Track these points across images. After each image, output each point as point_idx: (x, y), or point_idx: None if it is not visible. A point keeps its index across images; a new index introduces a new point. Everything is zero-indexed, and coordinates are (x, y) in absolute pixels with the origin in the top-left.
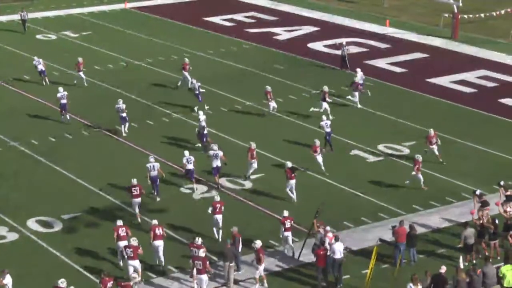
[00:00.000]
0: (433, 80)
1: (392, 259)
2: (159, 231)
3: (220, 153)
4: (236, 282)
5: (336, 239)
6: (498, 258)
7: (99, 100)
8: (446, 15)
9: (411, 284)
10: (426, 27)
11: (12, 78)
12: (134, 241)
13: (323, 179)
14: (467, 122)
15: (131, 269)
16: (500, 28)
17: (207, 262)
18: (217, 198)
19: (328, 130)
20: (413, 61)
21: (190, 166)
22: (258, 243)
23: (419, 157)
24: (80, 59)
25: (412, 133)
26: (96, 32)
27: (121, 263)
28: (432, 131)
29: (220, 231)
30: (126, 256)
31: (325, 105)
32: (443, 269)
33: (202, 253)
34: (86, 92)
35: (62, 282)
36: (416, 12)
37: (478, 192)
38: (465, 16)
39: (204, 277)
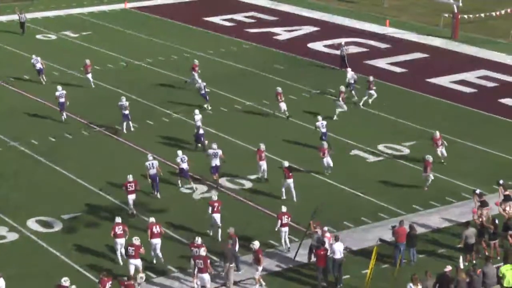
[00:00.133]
0: (433, 80)
1: (392, 259)
2: (156, 229)
3: (220, 152)
4: (235, 282)
5: (336, 239)
6: (498, 258)
7: (99, 100)
8: (446, 15)
9: (411, 284)
10: (426, 27)
11: (12, 78)
12: (136, 240)
13: (323, 179)
14: (467, 122)
15: (132, 268)
16: (500, 28)
17: (208, 261)
18: (214, 198)
19: (324, 130)
20: (413, 61)
21: (184, 165)
22: (257, 244)
23: (429, 158)
24: (88, 61)
25: (412, 133)
26: (96, 32)
27: (120, 262)
28: (437, 133)
29: (219, 230)
30: (124, 255)
31: (340, 103)
32: (448, 268)
33: (203, 252)
34: (86, 92)
35: (65, 281)
36: (416, 12)
37: (478, 191)
38: (465, 16)
39: (206, 276)
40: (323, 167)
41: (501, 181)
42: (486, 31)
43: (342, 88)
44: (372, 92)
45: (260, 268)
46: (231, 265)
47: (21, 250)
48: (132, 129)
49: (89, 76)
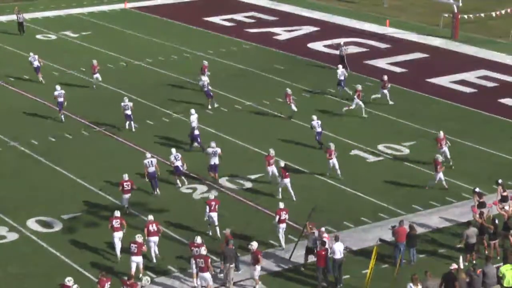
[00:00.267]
0: (433, 80)
1: (392, 259)
2: (152, 227)
3: (219, 150)
4: (235, 283)
5: (336, 239)
6: (498, 258)
7: (99, 100)
8: (446, 15)
9: (411, 284)
10: (426, 27)
11: (12, 78)
12: (139, 238)
13: (323, 179)
14: (467, 122)
15: (133, 265)
16: (500, 28)
17: (209, 260)
18: (212, 196)
19: (319, 130)
20: (413, 61)
21: (178, 163)
22: (255, 245)
23: (439, 157)
24: (95, 61)
25: (412, 133)
26: (96, 32)
27: (118, 257)
28: (441, 133)
29: (217, 228)
30: (119, 251)
31: (358, 102)
32: (453, 266)
33: (203, 251)
34: (86, 91)
35: (69, 281)
36: (416, 12)
37: (477, 190)
38: (465, 16)
39: (207, 275)
40: (328, 169)
41: (500, 181)
42: (486, 31)
43: (359, 86)
44: (386, 92)
45: (259, 269)
46: (231, 266)
47: (21, 250)
48: (133, 129)
49: (97, 76)
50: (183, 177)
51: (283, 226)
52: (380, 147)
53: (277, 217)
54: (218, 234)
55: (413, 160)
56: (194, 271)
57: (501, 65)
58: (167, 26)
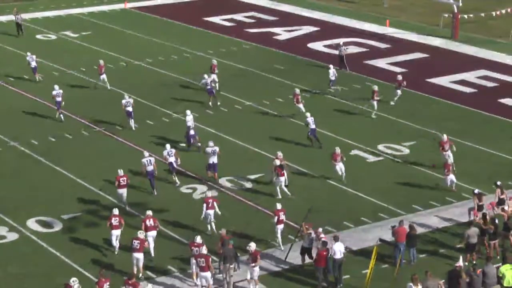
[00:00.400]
0: (433, 80)
1: (392, 259)
2: (150, 222)
3: (217, 149)
4: (234, 283)
5: (336, 239)
6: (498, 257)
7: (99, 100)
8: (446, 15)
9: (411, 284)
10: (426, 27)
11: (12, 78)
12: (141, 234)
13: (323, 179)
14: (467, 122)
15: (134, 261)
16: (500, 28)
17: (210, 260)
18: (209, 194)
19: (313, 126)
20: (413, 61)
21: (172, 159)
22: (253, 246)
23: (448, 159)
24: (102, 62)
25: (412, 133)
26: (96, 32)
27: (116, 251)
28: (445, 137)
29: (213, 224)
30: (116, 247)
31: (374, 103)
32: (458, 263)
33: (204, 250)
34: (86, 91)
35: (73, 281)
36: (416, 12)
37: (476, 191)
38: (465, 16)
39: (208, 274)
40: (336, 173)
41: (498, 183)
42: (486, 31)
43: (375, 87)
44: (399, 91)
45: (257, 269)
46: (231, 266)
47: (21, 250)
48: (133, 128)
49: (104, 76)
50: (174, 174)
51: (281, 226)
52: (380, 147)
53: (276, 217)
54: (214, 230)
55: (413, 160)
56: (194, 270)
57: (501, 65)
58: (167, 26)
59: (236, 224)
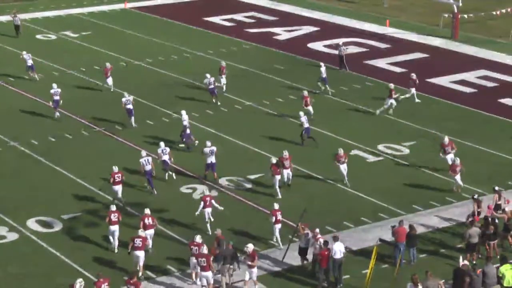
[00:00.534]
0: (433, 80)
1: (392, 259)
2: (148, 221)
3: (215, 149)
4: (233, 283)
5: (336, 239)
6: (498, 257)
7: (99, 100)
8: (446, 15)
9: (411, 284)
10: (426, 27)
11: (12, 78)
12: (142, 232)
13: (323, 179)
14: (467, 122)
15: (136, 260)
16: (500, 28)
17: (211, 259)
18: (207, 192)
19: (307, 125)
20: (413, 61)
21: (166, 157)
22: (251, 247)
23: (456, 160)
24: (108, 64)
25: (412, 133)
26: (96, 32)
27: (114, 249)
28: (446, 139)
29: (208, 225)
30: (115, 244)
31: (391, 101)
32: (463, 262)
33: (205, 250)
34: (86, 92)
35: (80, 282)
36: (416, 12)
37: (476, 196)
38: (465, 16)
39: (209, 274)
40: (341, 175)
41: (496, 188)
42: (486, 31)
43: (392, 85)
44: (413, 90)
45: (255, 270)
46: (230, 266)
47: (21, 250)
48: (133, 126)
49: (109, 80)
50: (170, 172)
51: (278, 226)
52: (380, 147)
53: (273, 217)
54: (209, 228)
55: (413, 160)
56: (194, 270)
57: (501, 65)
58: (167, 26)
59: (236, 224)
